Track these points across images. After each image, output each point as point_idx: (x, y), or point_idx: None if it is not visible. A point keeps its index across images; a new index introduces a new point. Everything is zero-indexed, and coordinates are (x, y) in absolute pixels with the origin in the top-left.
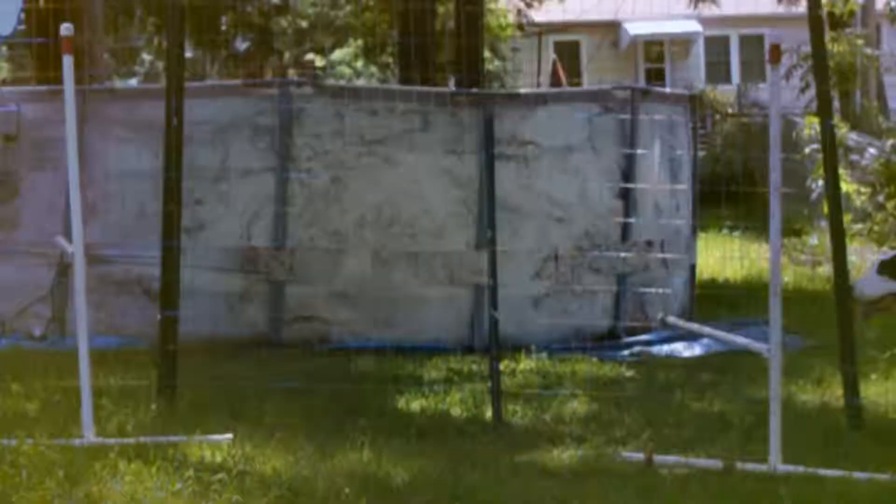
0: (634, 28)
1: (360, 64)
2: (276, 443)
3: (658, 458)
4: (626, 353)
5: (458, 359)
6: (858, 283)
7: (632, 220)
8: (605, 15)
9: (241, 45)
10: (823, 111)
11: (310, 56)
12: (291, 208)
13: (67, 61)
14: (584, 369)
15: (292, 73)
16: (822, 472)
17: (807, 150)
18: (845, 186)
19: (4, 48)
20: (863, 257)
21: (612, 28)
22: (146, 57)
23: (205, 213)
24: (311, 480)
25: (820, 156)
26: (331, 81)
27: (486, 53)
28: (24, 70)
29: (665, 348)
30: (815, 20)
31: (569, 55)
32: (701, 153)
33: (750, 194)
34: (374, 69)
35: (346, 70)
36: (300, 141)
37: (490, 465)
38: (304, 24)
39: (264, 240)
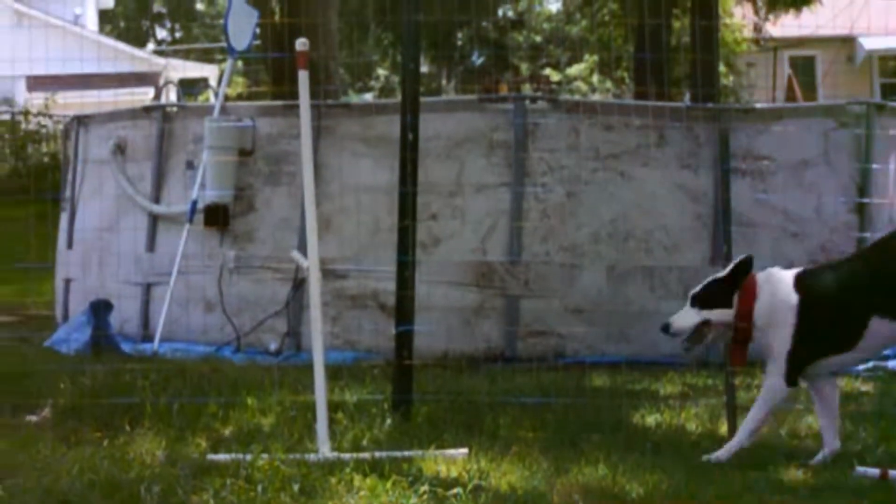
0: (870, 43)
1: (595, 79)
2: (511, 457)
3: (894, 473)
4: (861, 367)
5: (694, 373)
6: (673, 320)
7: (867, 234)
8: (840, 30)
9: (477, 59)
10: None
11: (545, 71)
12: (526, 223)
13: (303, 76)
14: None
15: (527, 88)
16: None
17: None
18: None
19: (240, 63)
20: None
21: (847, 43)
22: (381, 72)
23: (440, 227)
24: (546, 495)
25: None
26: (566, 96)
27: (722, 68)
28: (259, 85)
29: None
30: None
31: (804, 70)
32: None
33: None
34: (609, 84)
35: (582, 85)
36: (535, 155)
37: (725, 480)
38: (539, 39)
39: (499, 254)
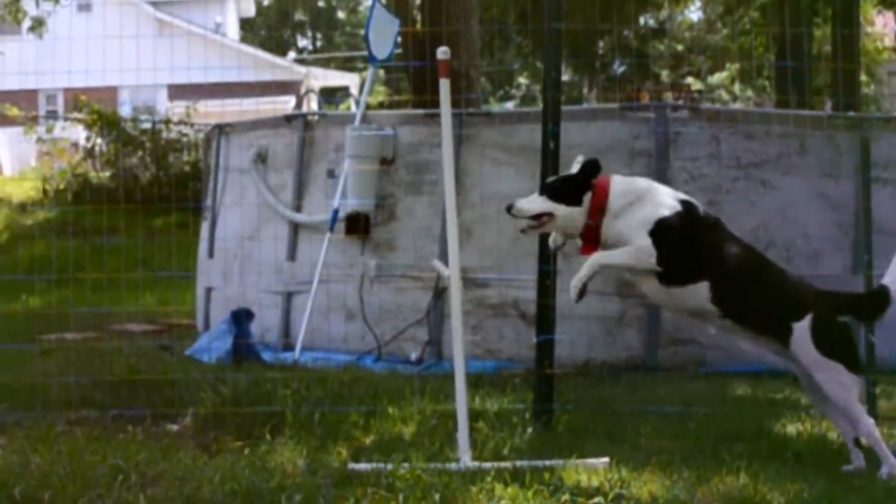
0: None
1: (736, 87)
2: (652, 466)
3: None
4: None
5: None
6: (518, 201)
7: None
8: None
9: (618, 68)
10: None
11: (686, 79)
12: None
13: (444, 85)
14: None
15: (669, 97)
16: None
17: None
18: None
19: (381, 72)
20: None
21: None
22: (522, 80)
23: None
24: None
25: None
26: (707, 105)
27: (863, 77)
28: (400, 93)
29: None
30: None
31: None
32: None
33: None
34: (750, 92)
35: (724, 94)
36: (676, 164)
37: (866, 488)
38: (680, 47)
39: None
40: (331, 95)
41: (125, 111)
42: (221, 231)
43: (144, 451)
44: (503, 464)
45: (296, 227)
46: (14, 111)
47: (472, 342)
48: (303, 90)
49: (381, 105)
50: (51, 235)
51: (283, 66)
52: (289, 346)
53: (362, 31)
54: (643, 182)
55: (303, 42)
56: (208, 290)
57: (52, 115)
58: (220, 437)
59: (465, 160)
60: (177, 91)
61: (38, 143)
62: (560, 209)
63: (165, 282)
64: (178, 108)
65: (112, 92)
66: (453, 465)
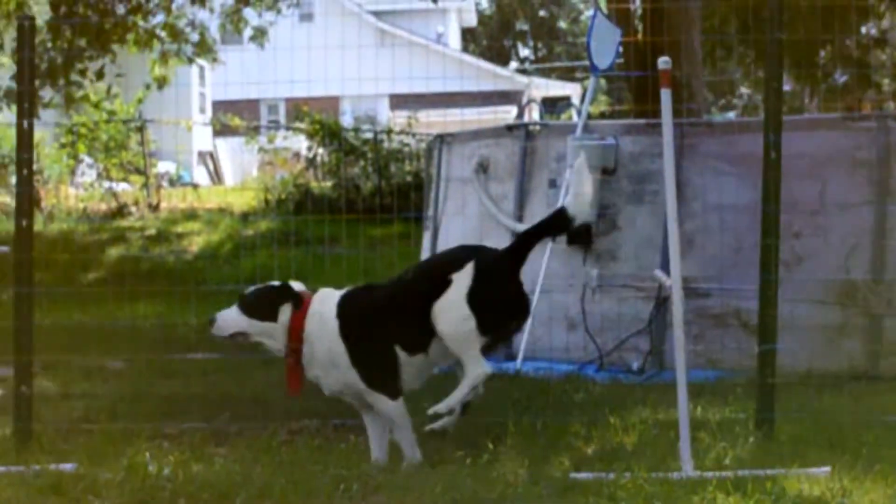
0: None
1: None
2: (874, 476)
3: None
4: None
5: None
6: (219, 316)
7: None
8: None
9: (840, 77)
10: None
11: None
12: (890, 241)
13: (665, 95)
14: None
15: (891, 106)
16: None
17: None
18: None
19: (603, 81)
20: None
21: None
22: (743, 90)
23: (802, 246)
24: None
25: None
26: None
27: None
28: (622, 103)
29: None
30: None
31: None
32: None
33: None
34: None
35: None
36: None
37: None
38: None
39: (862, 272)
40: (552, 105)
41: (346, 121)
42: (443, 241)
43: (366, 461)
44: (725, 473)
45: None
46: (236, 121)
47: (693, 352)
48: (524, 100)
49: (602, 115)
50: (272, 245)
51: (505, 76)
52: (511, 356)
53: (584, 41)
54: (326, 312)
55: (524, 52)
56: None
57: (273, 124)
58: (442, 447)
59: (686, 170)
60: (398, 101)
61: (259, 152)
62: (254, 326)
63: None
64: (399, 118)
65: (333, 102)
66: (675, 475)
